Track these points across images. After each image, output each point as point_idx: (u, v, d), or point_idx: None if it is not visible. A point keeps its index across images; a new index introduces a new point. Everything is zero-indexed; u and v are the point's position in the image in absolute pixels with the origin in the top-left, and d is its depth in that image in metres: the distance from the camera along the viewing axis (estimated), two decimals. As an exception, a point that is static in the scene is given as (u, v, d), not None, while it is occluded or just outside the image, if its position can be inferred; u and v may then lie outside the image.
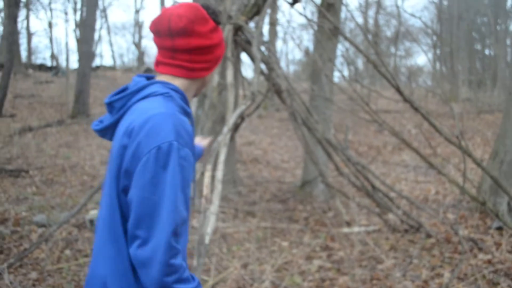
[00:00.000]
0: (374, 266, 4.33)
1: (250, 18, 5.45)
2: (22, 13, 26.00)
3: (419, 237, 5.03)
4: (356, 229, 5.34)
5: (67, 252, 4.68)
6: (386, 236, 5.16)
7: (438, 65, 26.26)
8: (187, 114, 1.43)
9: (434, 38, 25.42)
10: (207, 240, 3.12)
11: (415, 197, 6.69)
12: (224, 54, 4.75)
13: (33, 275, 4.07)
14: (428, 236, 4.96)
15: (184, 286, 1.29)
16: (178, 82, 1.45)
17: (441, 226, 5.28)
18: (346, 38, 5.67)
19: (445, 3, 24.81)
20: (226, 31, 4.82)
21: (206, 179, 3.41)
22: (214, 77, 4.29)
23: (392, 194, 6.07)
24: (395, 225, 5.33)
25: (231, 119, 3.95)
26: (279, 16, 16.61)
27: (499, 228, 4.98)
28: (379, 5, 21.10)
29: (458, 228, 4.55)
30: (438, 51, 26.05)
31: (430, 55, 25.97)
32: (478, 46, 27.68)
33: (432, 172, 8.37)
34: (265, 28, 17.41)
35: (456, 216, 4.73)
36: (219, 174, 3.75)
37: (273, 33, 16.75)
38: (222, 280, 3.93)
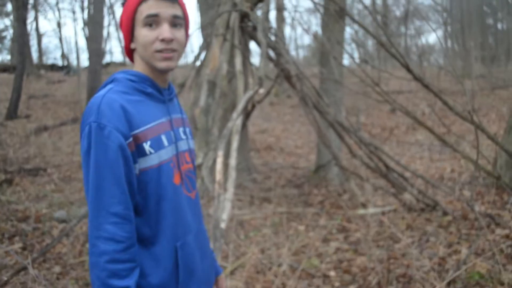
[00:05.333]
0: (391, 245, 4.35)
1: (255, 4, 5.44)
2: (30, 15, 26.25)
3: (436, 215, 5.02)
4: (371, 210, 5.35)
5: (88, 245, 4.78)
6: (402, 215, 5.16)
7: (449, 42, 25.91)
8: (145, 93, 1.39)
9: (445, 15, 25.06)
10: (222, 225, 3.16)
11: (430, 176, 6.66)
12: (232, 41, 4.79)
13: (57, 269, 4.17)
14: (445, 214, 4.95)
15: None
16: (136, 67, 1.43)
17: (458, 204, 5.26)
18: (353, 20, 5.63)
19: (454, -22, 24.41)
20: (233, 19, 4.82)
21: (218, 165, 3.44)
22: (223, 66, 4.30)
23: (407, 174, 6.05)
24: (411, 205, 5.32)
25: (240, 105, 3.97)
26: (286, 1, 16.50)
27: (516, 203, 4.94)
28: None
29: (475, 204, 4.53)
30: (449, 28, 25.69)
31: (440, 32, 25.61)
32: (490, 21, 27.22)
33: (446, 151, 8.31)
34: (272, 14, 17.33)
35: (472, 192, 4.69)
36: (233, 161, 3.78)
37: (280, 19, 16.66)
38: (241, 265, 3.98)
